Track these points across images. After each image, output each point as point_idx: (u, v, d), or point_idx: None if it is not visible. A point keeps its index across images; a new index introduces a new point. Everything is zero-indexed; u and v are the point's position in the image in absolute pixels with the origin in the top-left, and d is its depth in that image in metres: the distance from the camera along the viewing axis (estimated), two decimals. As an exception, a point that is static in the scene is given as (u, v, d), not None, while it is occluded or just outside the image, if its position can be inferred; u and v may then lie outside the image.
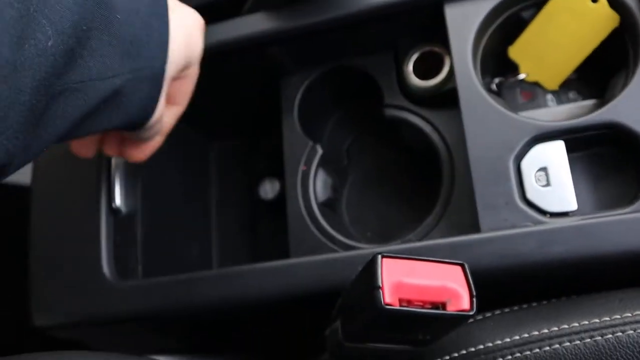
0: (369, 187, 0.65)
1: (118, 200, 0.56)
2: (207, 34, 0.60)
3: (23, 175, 0.61)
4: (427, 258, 0.37)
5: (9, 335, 0.75)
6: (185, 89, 0.51)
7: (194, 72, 0.51)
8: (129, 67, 0.40)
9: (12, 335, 0.68)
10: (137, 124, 0.45)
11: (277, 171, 0.63)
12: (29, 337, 0.55)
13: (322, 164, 0.60)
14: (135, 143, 0.50)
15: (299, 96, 0.61)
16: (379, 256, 0.36)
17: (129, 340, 0.60)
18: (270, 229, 0.66)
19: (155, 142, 0.51)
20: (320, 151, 0.60)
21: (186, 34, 0.47)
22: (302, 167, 0.59)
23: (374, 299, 0.35)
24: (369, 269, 0.36)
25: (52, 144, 0.38)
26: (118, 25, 0.38)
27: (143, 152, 0.52)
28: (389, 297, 0.35)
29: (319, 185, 0.59)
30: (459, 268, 0.37)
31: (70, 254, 0.55)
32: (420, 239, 0.53)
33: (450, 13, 0.54)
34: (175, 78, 0.48)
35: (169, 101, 0.51)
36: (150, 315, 0.52)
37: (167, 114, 0.51)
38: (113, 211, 0.56)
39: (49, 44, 0.33)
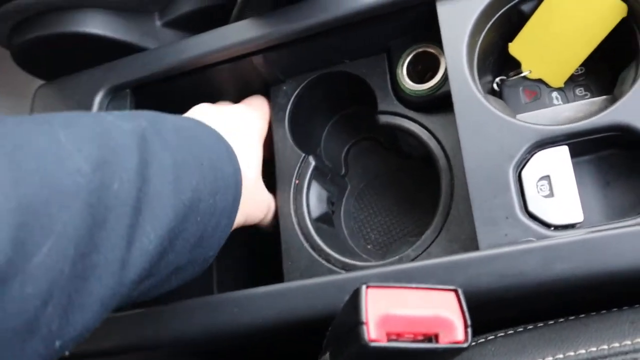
0: (368, 196, 0.62)
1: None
2: (195, 44, 0.58)
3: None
4: (417, 285, 0.35)
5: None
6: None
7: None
8: (191, 257, 0.44)
9: None
10: None
11: (273, 187, 0.60)
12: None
13: (316, 176, 0.57)
14: None
15: (290, 105, 0.59)
16: (364, 287, 0.34)
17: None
18: (269, 249, 0.63)
19: None
20: (313, 163, 0.57)
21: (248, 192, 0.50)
22: (295, 181, 0.56)
23: (359, 335, 0.33)
24: (353, 302, 0.34)
25: None
26: (196, 227, 0.42)
27: None
28: (374, 332, 0.33)
29: (313, 199, 0.56)
30: (452, 294, 0.35)
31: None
32: (419, 254, 0.50)
33: (443, 10, 0.50)
34: None
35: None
36: (145, 345, 0.50)
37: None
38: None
39: (151, 247, 0.38)
